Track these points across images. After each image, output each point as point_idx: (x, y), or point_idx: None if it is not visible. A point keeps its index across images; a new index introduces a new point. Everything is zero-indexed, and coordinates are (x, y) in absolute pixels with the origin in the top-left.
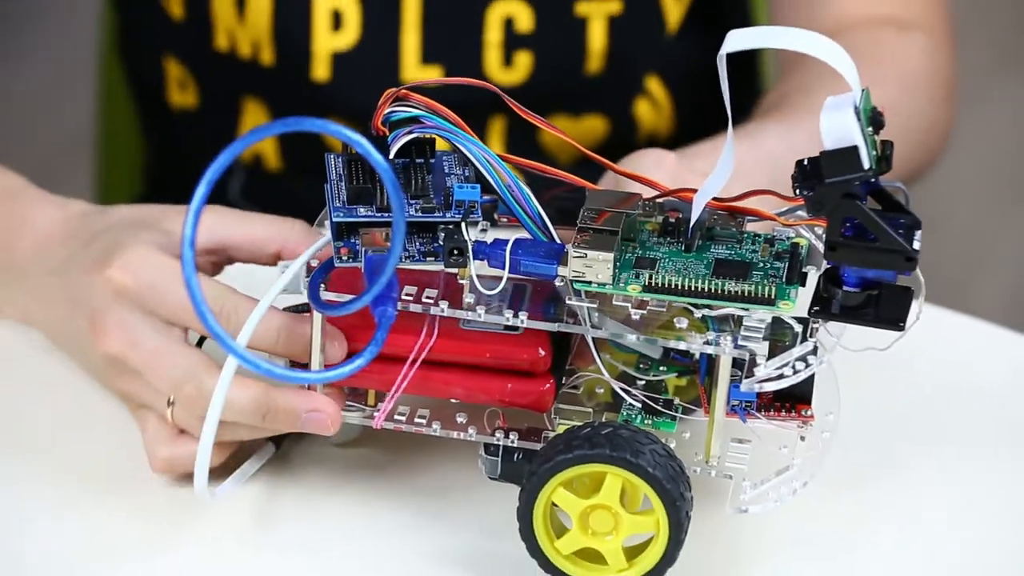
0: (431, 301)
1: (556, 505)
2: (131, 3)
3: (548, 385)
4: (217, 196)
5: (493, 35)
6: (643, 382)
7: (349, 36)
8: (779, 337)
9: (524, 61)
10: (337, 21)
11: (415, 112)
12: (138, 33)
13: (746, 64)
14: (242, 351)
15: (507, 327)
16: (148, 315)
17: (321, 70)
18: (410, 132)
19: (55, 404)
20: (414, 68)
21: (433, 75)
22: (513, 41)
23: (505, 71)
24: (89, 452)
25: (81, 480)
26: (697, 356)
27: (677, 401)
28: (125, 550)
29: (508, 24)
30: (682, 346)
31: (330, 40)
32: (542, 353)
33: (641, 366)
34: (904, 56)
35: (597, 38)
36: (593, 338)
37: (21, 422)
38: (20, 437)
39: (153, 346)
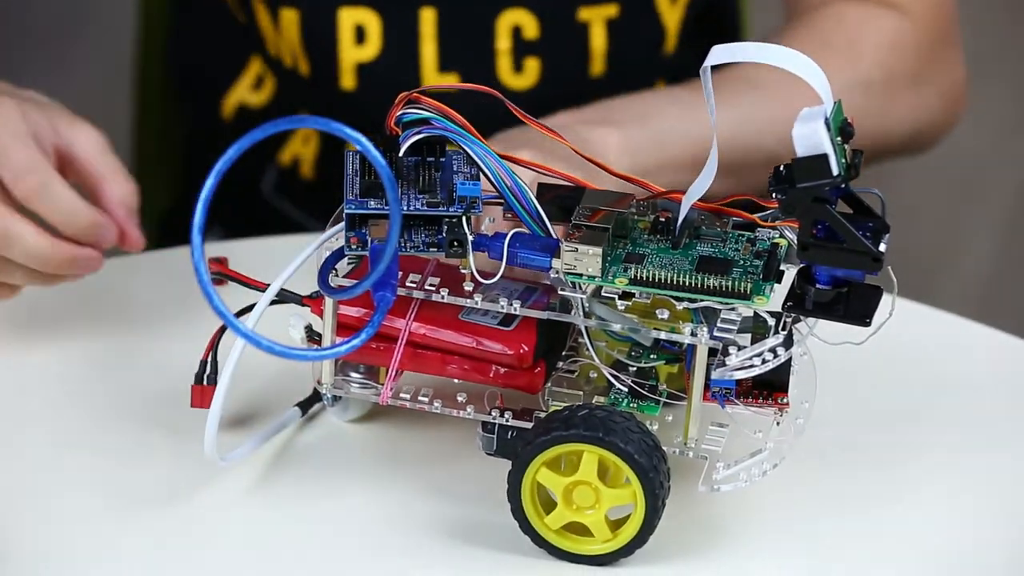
0: (433, 288)
1: (542, 484)
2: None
3: (539, 369)
4: (250, 190)
5: (503, 43)
6: (634, 368)
7: (372, 48)
8: (759, 330)
9: (533, 66)
10: (360, 35)
11: (425, 114)
12: (216, 32)
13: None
14: (244, 328)
15: (500, 322)
16: (21, 117)
17: (348, 80)
18: (419, 132)
19: (71, 363)
20: (432, 76)
21: (450, 82)
22: (522, 48)
23: (516, 76)
24: (103, 412)
25: (94, 439)
26: (684, 345)
27: (663, 387)
28: (133, 505)
29: (516, 32)
30: (662, 336)
31: (355, 52)
32: (524, 349)
33: (633, 353)
34: (862, 31)
35: (598, 42)
36: (586, 327)
37: (33, 385)
38: (32, 400)
39: (9, 137)
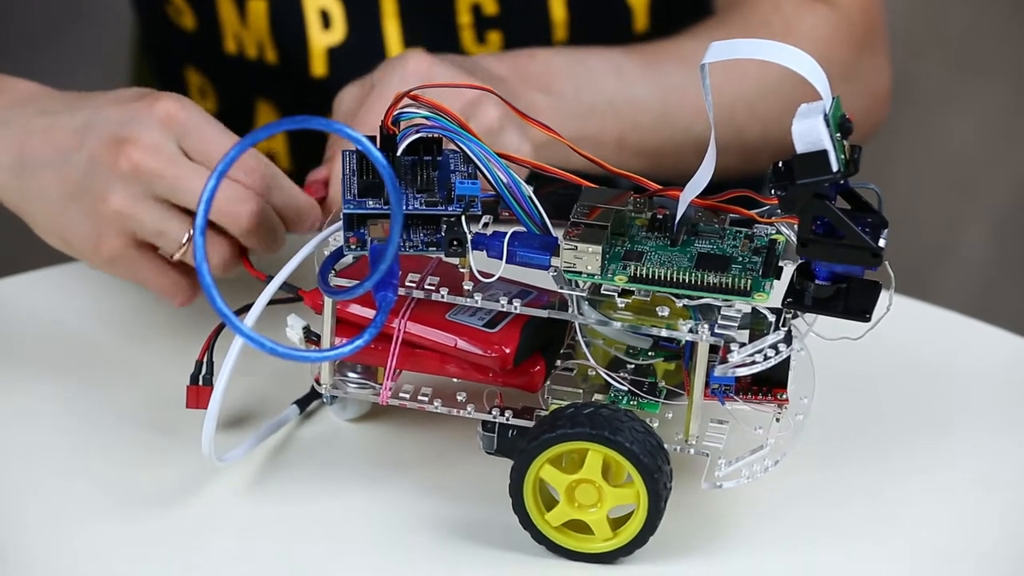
0: (432, 288)
1: (545, 481)
2: (149, 20)
3: (538, 368)
4: None
5: (464, 18)
6: (632, 366)
7: (338, 32)
8: (757, 326)
9: (495, 38)
10: (326, 19)
11: (422, 113)
12: (159, 46)
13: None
14: (247, 330)
15: (486, 323)
16: (184, 150)
17: (319, 66)
18: (417, 131)
19: (68, 364)
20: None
21: None
22: (483, 23)
23: (480, 47)
24: (101, 412)
25: (92, 439)
26: (682, 342)
27: (662, 384)
28: (132, 506)
29: (476, 9)
30: (664, 333)
31: (323, 37)
32: (506, 351)
33: (631, 351)
34: (797, 21)
35: (558, 11)
36: (584, 325)
37: (32, 386)
38: (31, 401)
39: (193, 168)
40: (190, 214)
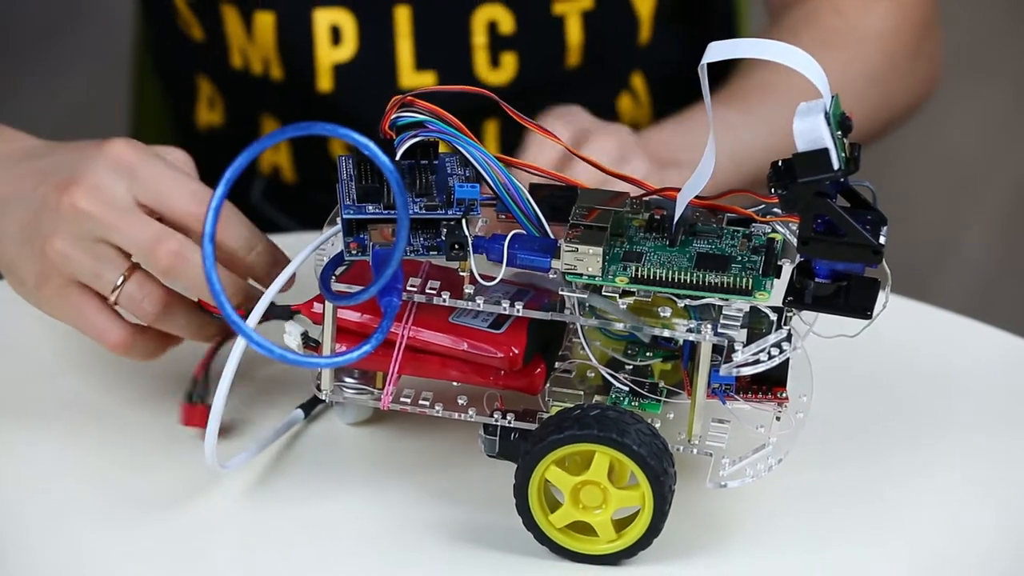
0: (435, 292)
1: (549, 482)
2: (160, 27)
3: (539, 370)
4: (240, 198)
5: (479, 38)
6: (631, 367)
7: (348, 48)
8: (756, 325)
9: (509, 61)
10: (336, 35)
11: (419, 117)
12: (169, 53)
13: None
14: (258, 337)
15: (491, 324)
16: (131, 193)
17: (325, 82)
18: (415, 135)
19: (73, 369)
20: (410, 74)
21: (428, 80)
22: (498, 43)
23: (493, 71)
24: (105, 417)
25: (96, 444)
26: (681, 342)
27: (662, 385)
28: (134, 514)
29: (492, 27)
30: (666, 333)
31: (331, 53)
32: (515, 352)
33: (629, 352)
34: (862, 21)
35: (574, 33)
36: (582, 326)
37: (36, 392)
38: (35, 406)
39: (129, 209)
40: (128, 256)
